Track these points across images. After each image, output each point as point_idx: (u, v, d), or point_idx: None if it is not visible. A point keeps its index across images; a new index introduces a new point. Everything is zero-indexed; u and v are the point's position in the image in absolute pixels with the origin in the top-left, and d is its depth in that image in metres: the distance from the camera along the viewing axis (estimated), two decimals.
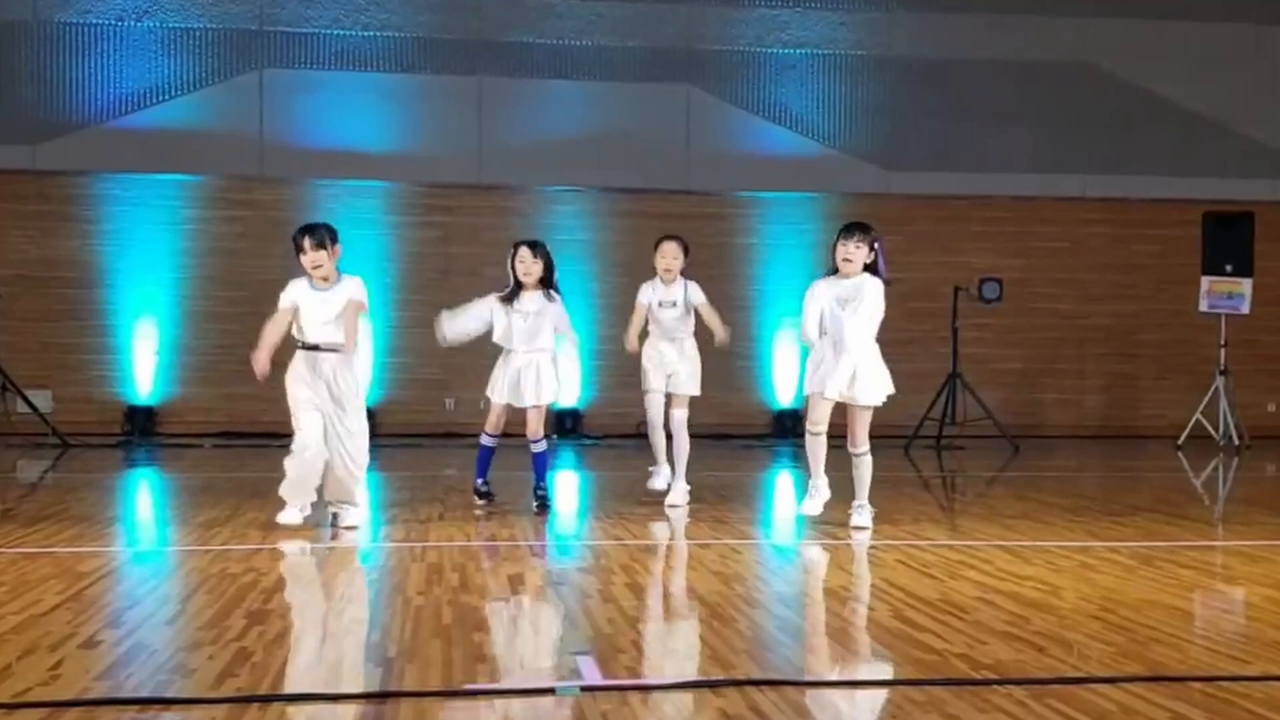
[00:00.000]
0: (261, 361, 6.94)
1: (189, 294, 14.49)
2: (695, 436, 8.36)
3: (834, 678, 4.04)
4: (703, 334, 8.36)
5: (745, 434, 14.35)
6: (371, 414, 14.48)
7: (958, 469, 11.67)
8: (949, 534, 7.14)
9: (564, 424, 14.61)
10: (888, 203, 15.04)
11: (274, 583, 5.60)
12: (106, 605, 5.02)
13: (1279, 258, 14.90)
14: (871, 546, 6.59)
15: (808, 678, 3.99)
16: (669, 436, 8.29)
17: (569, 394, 8.25)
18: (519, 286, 7.88)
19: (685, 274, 8.31)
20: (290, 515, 6.95)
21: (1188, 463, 12.37)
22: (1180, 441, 13.73)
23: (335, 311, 7.01)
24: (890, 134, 15.25)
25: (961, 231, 15.46)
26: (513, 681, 3.88)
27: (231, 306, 13.84)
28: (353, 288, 7.10)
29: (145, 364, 14.47)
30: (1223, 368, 13.86)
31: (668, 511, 7.97)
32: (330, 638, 4.45)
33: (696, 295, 8.27)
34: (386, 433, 14.42)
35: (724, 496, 8.78)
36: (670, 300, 8.25)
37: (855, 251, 7.17)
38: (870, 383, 7.12)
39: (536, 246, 7.94)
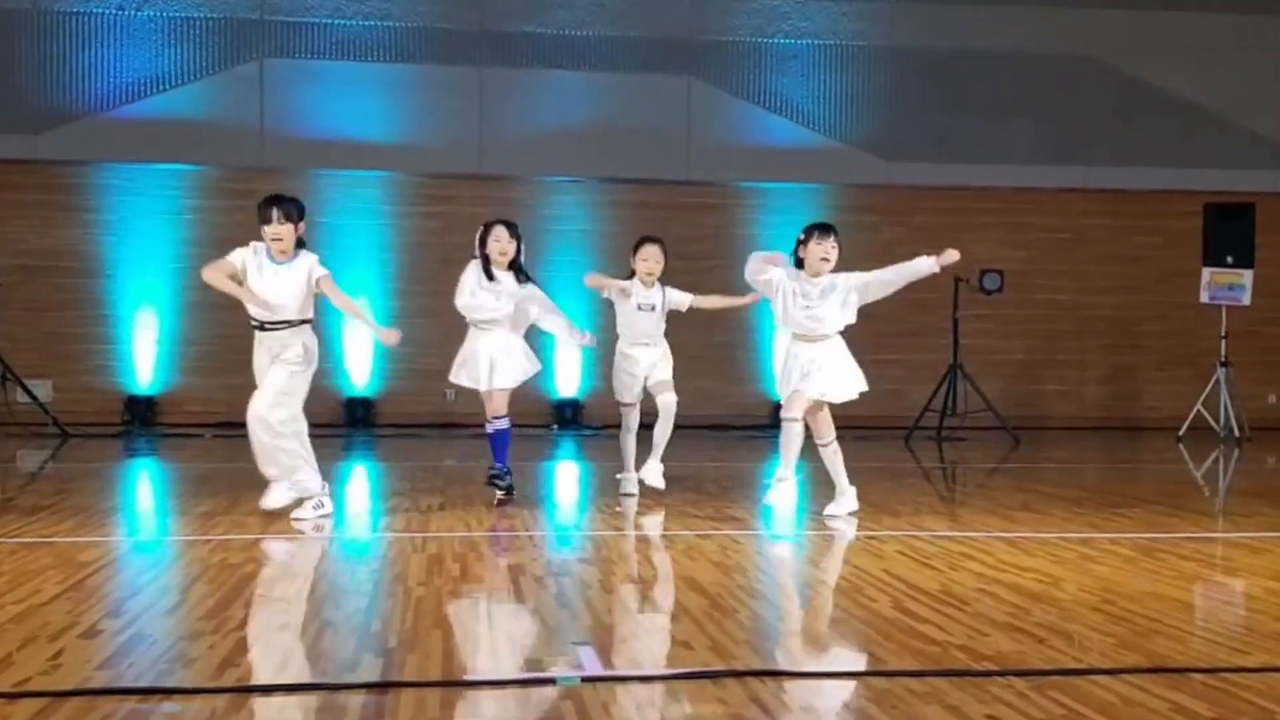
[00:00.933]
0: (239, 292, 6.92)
1: (189, 284, 14.43)
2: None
3: (834, 669, 4.04)
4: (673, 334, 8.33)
5: (745, 425, 14.35)
6: (371, 404, 14.61)
7: (958, 460, 11.67)
8: (950, 525, 7.14)
9: (564, 414, 14.61)
10: (889, 193, 15.04)
11: (274, 572, 5.60)
12: (107, 595, 5.02)
13: None
14: (871, 537, 6.59)
15: (808, 669, 3.99)
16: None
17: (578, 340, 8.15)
18: (488, 264, 7.77)
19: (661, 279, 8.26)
20: (273, 498, 6.95)
21: (1188, 454, 12.37)
22: (1181, 433, 13.72)
23: (290, 288, 6.90)
24: (891, 125, 15.23)
25: (962, 222, 15.43)
26: (513, 672, 3.88)
27: (231, 297, 13.81)
28: (311, 262, 6.97)
29: (145, 354, 14.47)
30: (1223, 359, 13.85)
31: (646, 492, 8.01)
32: (331, 628, 4.44)
33: (681, 297, 8.21)
34: (386, 423, 14.43)
35: (724, 487, 8.78)
36: (650, 304, 8.17)
37: (833, 251, 7.21)
38: (844, 379, 7.16)
39: (514, 227, 7.87)
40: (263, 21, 14.49)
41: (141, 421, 14.08)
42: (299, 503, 7.02)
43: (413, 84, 14.67)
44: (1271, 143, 15.67)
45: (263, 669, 3.89)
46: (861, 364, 7.33)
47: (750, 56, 15.16)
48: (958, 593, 5.08)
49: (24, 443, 12.08)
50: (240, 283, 6.93)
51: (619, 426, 8.40)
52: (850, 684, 3.82)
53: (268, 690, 3.59)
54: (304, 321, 7.01)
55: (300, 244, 7.03)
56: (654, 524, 7.23)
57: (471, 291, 7.75)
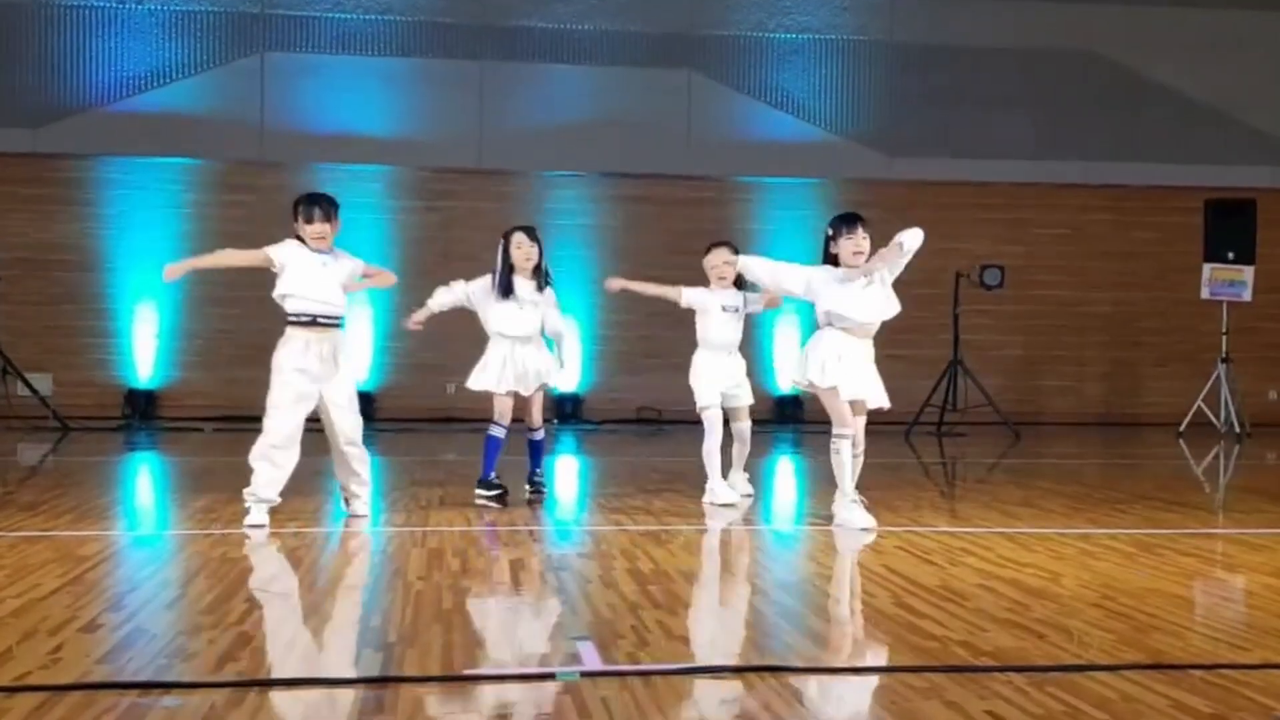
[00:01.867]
0: (177, 270, 6.83)
1: (190, 278, 14.33)
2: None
3: (834, 664, 4.04)
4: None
5: None
6: (371, 398, 14.60)
7: (958, 455, 11.67)
8: (949, 521, 7.13)
9: (564, 409, 14.62)
10: (889, 188, 15.04)
11: (274, 567, 5.60)
12: (106, 589, 5.02)
13: None
14: (871, 533, 6.59)
15: (808, 664, 3.98)
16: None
17: (566, 377, 8.09)
18: (512, 273, 7.73)
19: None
20: (257, 517, 6.60)
21: (1188, 450, 12.37)
22: (1181, 429, 13.73)
23: (338, 281, 6.91)
24: (892, 120, 15.22)
25: (963, 217, 15.44)
26: (513, 667, 3.88)
27: (232, 291, 13.85)
28: (351, 264, 7.00)
29: (146, 348, 14.48)
30: (1224, 355, 13.85)
31: (645, 487, 7.99)
32: (330, 622, 4.44)
33: (753, 303, 8.11)
34: (386, 418, 14.43)
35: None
36: (733, 305, 7.97)
37: (864, 242, 6.92)
38: (879, 383, 6.99)
39: (533, 231, 7.83)
40: (263, 15, 14.48)
41: (141, 415, 14.09)
42: (311, 508, 7.02)
43: (413, 78, 14.67)
44: (1272, 138, 15.67)
45: (262, 663, 3.89)
46: None
47: (750, 51, 15.16)
48: (957, 588, 5.08)
49: (24, 436, 12.08)
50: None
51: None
52: (850, 679, 3.82)
53: (267, 685, 3.59)
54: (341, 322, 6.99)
55: None
56: (655, 518, 7.23)
57: (492, 316, 7.67)
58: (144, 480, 9.73)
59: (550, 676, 3.69)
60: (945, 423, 13.48)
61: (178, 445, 11.75)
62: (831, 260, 6.94)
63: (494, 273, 7.68)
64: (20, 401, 12.92)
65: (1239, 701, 3.50)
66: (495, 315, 7.67)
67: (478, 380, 7.70)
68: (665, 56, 14.98)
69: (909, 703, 3.47)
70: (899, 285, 7.05)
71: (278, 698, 3.50)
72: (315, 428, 6.96)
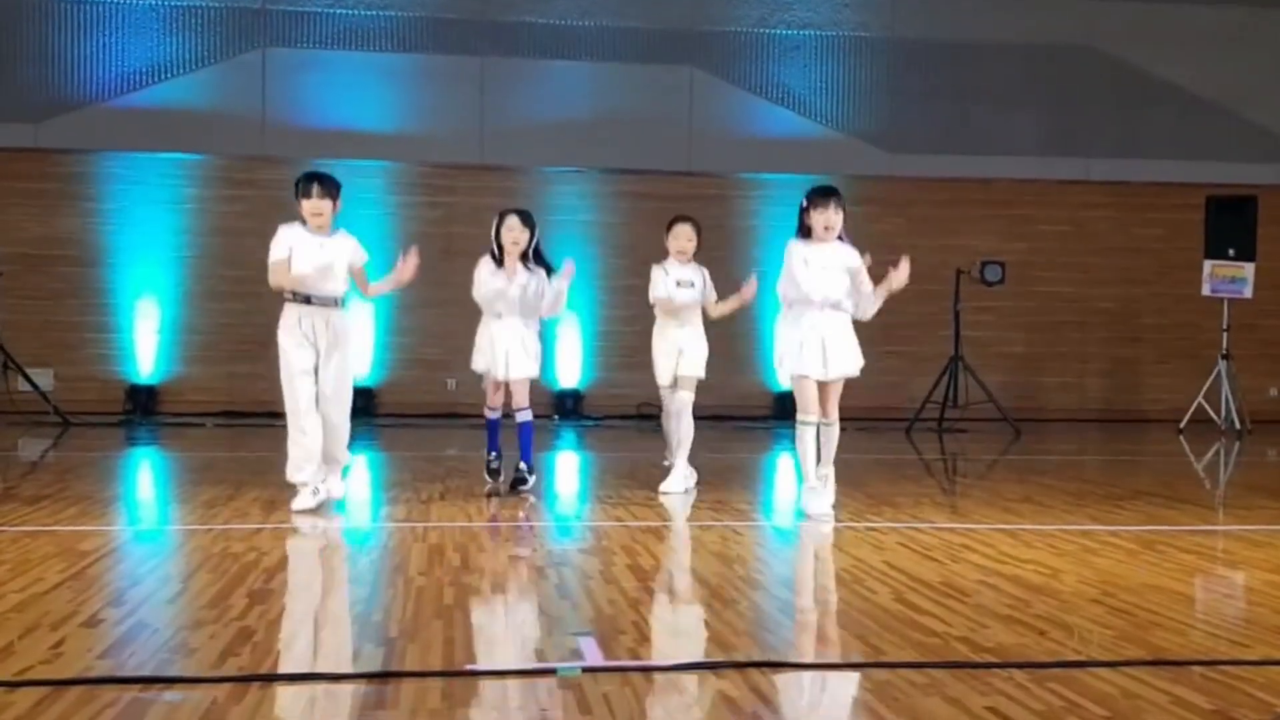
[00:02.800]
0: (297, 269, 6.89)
1: (191, 273, 14.49)
2: (695, 418, 8.33)
3: (835, 660, 4.04)
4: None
5: (745, 415, 14.35)
6: (372, 394, 14.61)
7: (959, 452, 11.67)
8: (950, 517, 7.14)
9: (565, 405, 14.62)
10: (890, 185, 15.02)
11: (275, 562, 5.61)
12: (108, 584, 5.02)
13: None
14: (872, 529, 6.59)
15: (808, 660, 3.99)
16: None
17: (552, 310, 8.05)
18: (502, 254, 7.78)
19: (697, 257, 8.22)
20: (305, 500, 6.88)
21: (1189, 447, 12.37)
22: (1182, 425, 13.73)
23: (331, 260, 6.95)
24: (893, 116, 15.21)
25: (964, 214, 15.43)
26: (514, 662, 3.88)
27: (233, 286, 13.86)
28: (353, 245, 7.07)
29: (147, 343, 14.48)
30: (1225, 352, 13.85)
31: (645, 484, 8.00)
32: (332, 618, 4.45)
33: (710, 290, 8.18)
34: (387, 413, 14.44)
35: (724, 478, 8.78)
36: (688, 281, 8.09)
37: (835, 218, 6.90)
38: (846, 353, 7.01)
39: (528, 216, 7.88)
40: (264, 10, 14.48)
41: (143, 410, 14.09)
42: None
43: (414, 74, 14.66)
44: (1274, 135, 15.66)
45: (264, 658, 3.89)
46: (863, 355, 7.26)
47: (752, 47, 15.15)
48: (958, 584, 5.08)
49: (25, 431, 12.09)
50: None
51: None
52: (850, 675, 3.82)
53: (269, 679, 3.59)
54: (342, 301, 7.04)
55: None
56: (655, 514, 7.23)
57: (482, 282, 7.77)
58: (145, 475, 9.74)
59: (551, 672, 3.70)
60: (946, 419, 13.48)
61: (179, 440, 11.76)
62: (805, 231, 6.97)
63: (488, 250, 7.79)
64: (21, 397, 12.92)
65: (1239, 698, 3.50)
66: (485, 290, 7.74)
67: (474, 359, 7.83)
68: (666, 52, 14.97)
69: (910, 699, 3.48)
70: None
71: (279, 693, 3.50)
72: None
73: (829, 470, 7.13)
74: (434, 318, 14.09)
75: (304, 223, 6.97)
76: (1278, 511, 7.59)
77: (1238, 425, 13.58)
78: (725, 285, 8.42)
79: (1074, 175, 15.54)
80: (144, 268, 14.41)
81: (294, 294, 6.92)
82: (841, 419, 7.27)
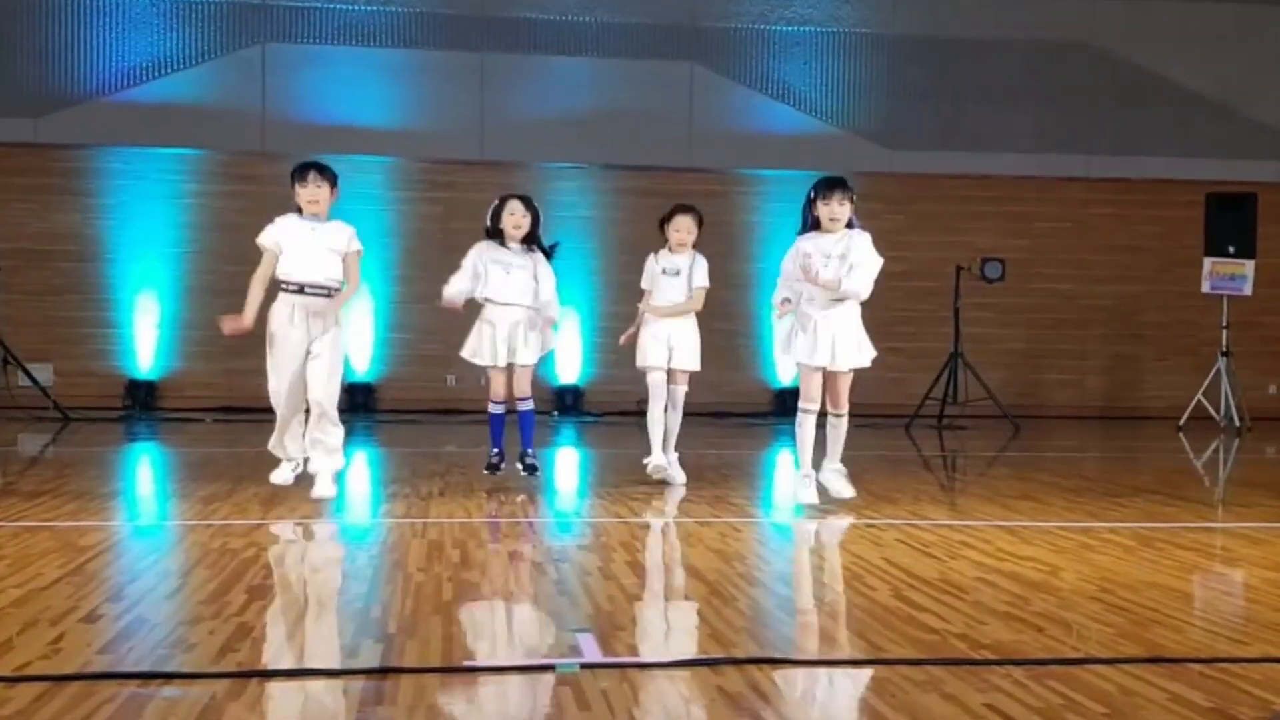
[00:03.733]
0: (247, 320, 6.94)
1: (190, 268, 14.49)
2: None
3: (833, 657, 4.04)
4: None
5: (745, 412, 14.36)
6: (372, 389, 14.61)
7: (958, 449, 11.67)
8: (949, 514, 7.14)
9: (564, 401, 14.62)
10: (890, 181, 15.02)
11: (275, 558, 5.61)
12: (107, 579, 5.03)
13: None
14: (871, 525, 6.60)
15: (807, 656, 3.99)
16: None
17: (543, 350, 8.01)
18: (501, 238, 7.76)
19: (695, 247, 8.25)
20: (284, 474, 7.09)
21: (1189, 444, 12.38)
22: (1181, 423, 13.73)
23: (326, 248, 6.95)
24: (893, 113, 15.21)
25: (964, 211, 15.43)
26: (513, 659, 3.89)
27: (233, 281, 13.71)
28: (349, 233, 7.06)
29: (146, 338, 14.48)
30: (1224, 349, 13.85)
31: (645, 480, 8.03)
32: (330, 613, 4.45)
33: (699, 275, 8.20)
34: (387, 409, 14.44)
35: (724, 475, 8.78)
36: (674, 269, 8.13)
37: (840, 209, 6.96)
38: (852, 344, 7.02)
39: (529, 201, 7.85)
40: (264, 6, 14.47)
41: (142, 406, 14.09)
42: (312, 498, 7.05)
43: (414, 69, 14.66)
44: (1274, 132, 15.66)
45: (263, 654, 3.90)
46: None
47: (753, 43, 15.14)
48: (957, 581, 5.08)
49: (25, 426, 12.09)
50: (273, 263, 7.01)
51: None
52: (849, 672, 3.82)
53: (267, 675, 3.59)
54: (338, 290, 7.03)
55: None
56: (654, 511, 7.24)
57: (474, 271, 7.73)
58: (145, 471, 9.74)
59: (550, 668, 3.70)
60: (946, 416, 13.48)
61: (178, 436, 11.76)
62: (813, 223, 7.00)
63: (483, 240, 7.78)
64: (21, 392, 12.93)
65: (1237, 695, 3.50)
66: (485, 278, 7.70)
67: (468, 352, 7.82)
68: (667, 48, 14.97)
69: (908, 695, 3.48)
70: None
71: (278, 688, 3.50)
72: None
73: (836, 465, 7.16)
74: (433, 313, 14.02)
75: (299, 211, 6.99)
76: (1277, 509, 7.59)
77: (1237, 422, 13.58)
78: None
79: (1074, 172, 15.54)
80: (144, 263, 14.41)
81: (287, 283, 6.95)
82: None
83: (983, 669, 3.74)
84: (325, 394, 7.02)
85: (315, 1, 14.53)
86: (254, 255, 7.03)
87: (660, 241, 8.25)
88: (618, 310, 14.54)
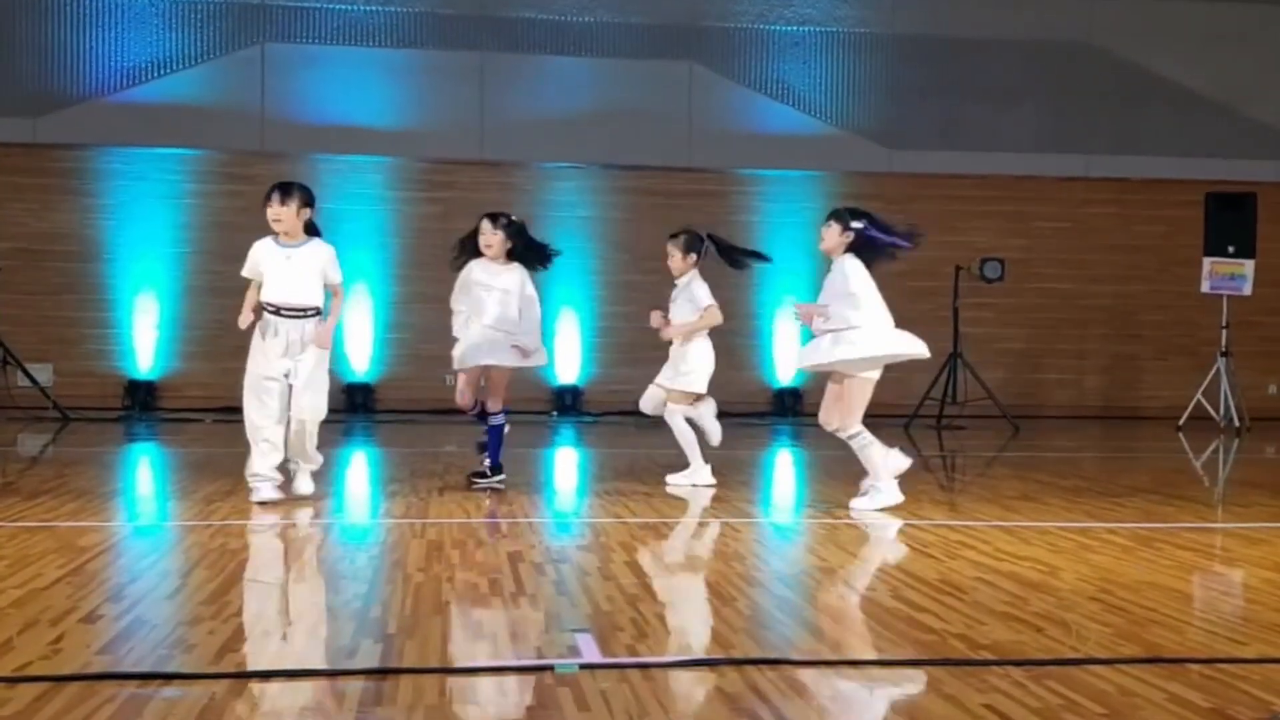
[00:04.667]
0: (245, 318, 6.97)
1: (190, 268, 14.49)
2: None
3: (832, 657, 4.04)
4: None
5: (745, 412, 14.36)
6: (370, 390, 14.61)
7: (958, 449, 11.67)
8: (948, 514, 7.14)
9: (563, 401, 14.62)
10: (890, 181, 15.02)
11: (274, 558, 5.61)
12: (107, 580, 5.03)
13: None
14: (870, 526, 6.60)
15: (806, 657, 3.99)
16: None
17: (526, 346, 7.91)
18: (477, 256, 7.76)
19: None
20: (268, 492, 6.91)
21: (1188, 444, 12.38)
22: (1181, 423, 13.73)
23: (302, 271, 6.94)
24: (893, 112, 15.21)
25: (963, 211, 15.43)
26: (512, 659, 3.89)
27: (232, 281, 13.63)
28: (328, 257, 7.03)
29: (146, 338, 14.48)
30: (1224, 349, 13.85)
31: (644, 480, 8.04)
32: (330, 614, 4.45)
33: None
34: (386, 409, 14.44)
35: (724, 475, 8.78)
36: (675, 293, 8.25)
37: (825, 232, 7.16)
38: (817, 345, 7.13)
39: (498, 219, 7.81)
40: (263, 6, 14.47)
41: (142, 406, 14.09)
42: (314, 497, 7.04)
43: (413, 69, 14.66)
44: (1273, 131, 15.66)
45: (262, 654, 3.90)
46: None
47: (752, 42, 15.14)
48: (956, 581, 5.09)
49: (25, 427, 12.09)
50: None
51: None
52: (848, 672, 3.82)
53: (267, 676, 3.59)
54: (318, 312, 7.01)
55: (313, 231, 7.06)
56: (654, 511, 7.24)
57: (464, 287, 7.75)
58: (144, 471, 9.74)
59: (549, 669, 3.70)
60: (945, 416, 13.49)
61: (178, 436, 11.76)
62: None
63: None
64: (20, 392, 12.93)
65: (1236, 696, 3.50)
66: (462, 292, 7.75)
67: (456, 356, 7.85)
68: (666, 48, 14.97)
69: (906, 695, 3.48)
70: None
71: (277, 689, 3.50)
72: (325, 419, 7.00)
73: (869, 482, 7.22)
74: (432, 314, 14.04)
75: (275, 235, 6.99)
76: (1276, 509, 7.60)
77: (1237, 422, 13.58)
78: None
79: (1073, 172, 15.54)
80: (143, 263, 14.41)
81: (266, 305, 6.93)
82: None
83: (982, 669, 3.74)
84: (310, 408, 6.98)
85: (314, 1, 14.53)
86: None
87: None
88: (617, 310, 14.57)
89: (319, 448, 7.18)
